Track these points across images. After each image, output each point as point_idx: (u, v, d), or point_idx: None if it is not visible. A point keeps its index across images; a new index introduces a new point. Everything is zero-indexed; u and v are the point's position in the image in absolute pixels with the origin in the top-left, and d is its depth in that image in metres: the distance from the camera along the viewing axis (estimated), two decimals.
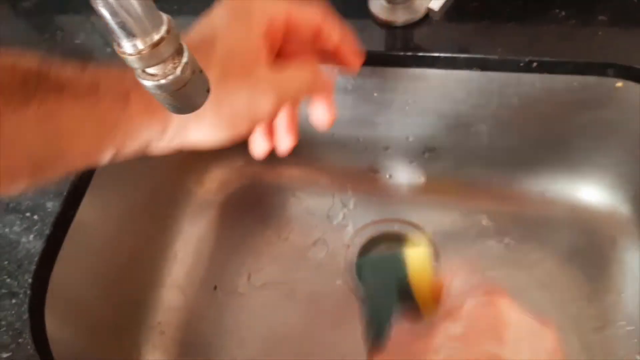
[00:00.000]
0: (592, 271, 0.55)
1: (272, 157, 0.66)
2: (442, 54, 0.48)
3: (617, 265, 0.55)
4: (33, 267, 0.44)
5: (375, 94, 0.55)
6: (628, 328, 0.52)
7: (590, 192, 0.58)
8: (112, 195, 0.53)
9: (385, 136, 0.60)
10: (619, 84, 0.47)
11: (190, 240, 0.63)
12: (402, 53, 0.49)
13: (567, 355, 0.51)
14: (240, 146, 0.65)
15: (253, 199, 0.66)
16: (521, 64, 0.47)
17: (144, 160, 0.57)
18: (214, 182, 0.67)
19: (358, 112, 0.58)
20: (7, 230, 0.47)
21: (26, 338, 0.42)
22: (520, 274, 0.56)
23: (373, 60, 0.50)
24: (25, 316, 0.42)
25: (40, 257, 0.45)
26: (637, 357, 0.50)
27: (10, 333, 0.42)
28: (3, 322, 0.42)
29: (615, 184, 0.56)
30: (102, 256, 0.53)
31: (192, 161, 0.65)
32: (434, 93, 0.53)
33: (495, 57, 0.47)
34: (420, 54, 0.48)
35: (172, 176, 0.63)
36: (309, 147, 0.64)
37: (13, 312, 0.43)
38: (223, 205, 0.66)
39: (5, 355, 0.41)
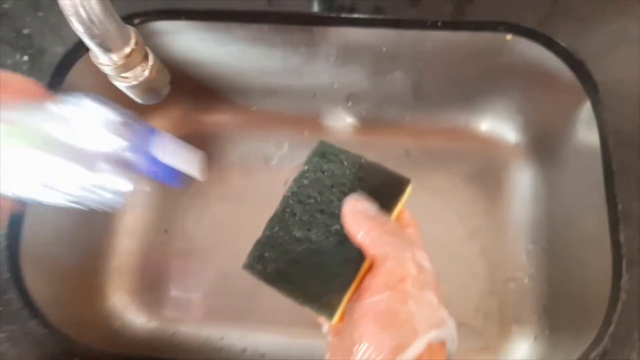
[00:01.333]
0: (489, 190, 0.67)
1: (208, 105, 0.71)
2: (361, 15, 0.54)
3: (508, 184, 0.67)
4: (3, 230, 0.48)
5: (302, 48, 0.60)
6: (517, 233, 0.64)
7: (487, 125, 0.68)
8: None
9: (312, 84, 0.66)
10: (509, 37, 0.56)
11: (136, 187, 0.68)
12: (327, 14, 0.55)
13: (471, 259, 0.64)
14: (177, 96, 0.70)
15: (193, 146, 0.71)
16: (428, 24, 0.54)
17: None
18: None
19: (287, 64, 0.63)
20: None
21: (12, 294, 0.46)
22: (431, 197, 0.66)
23: (302, 20, 0.56)
24: (7, 275, 0.47)
25: (9, 219, 0.48)
26: (529, 246, 0.63)
27: None
28: None
29: (506, 117, 0.67)
30: (62, 210, 0.57)
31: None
32: (356, 47, 0.59)
33: (407, 17, 0.54)
34: (343, 15, 0.54)
35: None
36: (242, 95, 0.70)
37: None
38: None
39: None
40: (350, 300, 0.33)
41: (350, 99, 0.67)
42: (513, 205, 0.66)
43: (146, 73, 0.33)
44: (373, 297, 0.30)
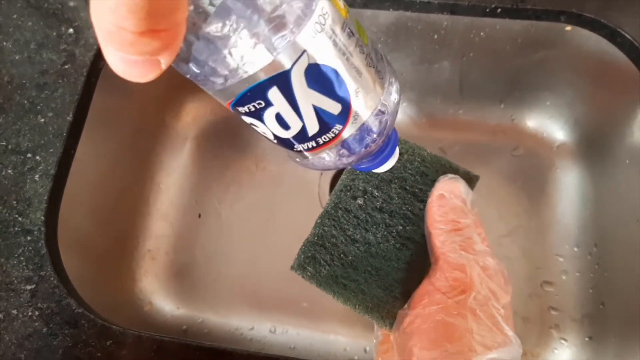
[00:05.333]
0: (533, 190, 0.64)
1: None
2: None
3: (553, 184, 0.64)
4: (44, 205, 0.47)
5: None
6: (560, 235, 0.62)
7: (535, 121, 0.66)
8: (104, 135, 0.55)
9: None
10: (568, 27, 0.53)
11: (172, 173, 0.67)
12: None
13: (511, 260, 0.61)
14: None
15: (229, 131, 0.69)
16: (487, 10, 0.52)
17: (128, 97, 0.59)
18: (189, 116, 0.70)
19: None
20: (9, 171, 0.48)
21: (48, 271, 0.45)
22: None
23: (352, 2, 0.54)
24: (44, 251, 0.46)
25: (49, 195, 0.47)
26: (575, 249, 0.60)
27: (31, 267, 0.45)
28: (22, 258, 0.46)
29: (555, 113, 0.64)
30: (98, 191, 0.56)
31: (168, 96, 0.67)
32: (405, 33, 0.57)
33: (465, 3, 0.52)
34: None
35: (151, 112, 0.65)
36: None
37: (30, 248, 0.46)
38: (200, 137, 0.69)
39: (29, 287, 0.45)
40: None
41: None
42: (557, 206, 0.63)
43: None
44: (431, 306, 0.27)
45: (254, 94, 0.21)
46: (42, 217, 0.47)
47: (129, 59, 0.17)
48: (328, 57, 0.21)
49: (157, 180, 0.66)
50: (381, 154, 0.28)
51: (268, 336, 0.60)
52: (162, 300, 0.61)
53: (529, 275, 0.60)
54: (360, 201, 0.32)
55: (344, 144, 0.24)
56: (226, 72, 0.21)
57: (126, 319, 0.57)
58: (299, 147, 0.24)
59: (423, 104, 0.66)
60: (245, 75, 0.21)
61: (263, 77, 0.20)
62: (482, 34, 0.55)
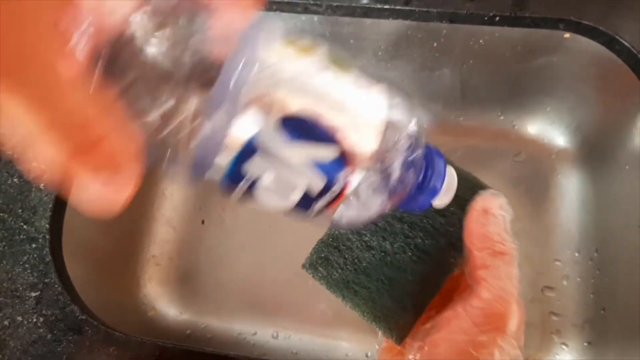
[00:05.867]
0: (534, 195, 0.64)
1: None
2: (417, 8, 0.52)
3: (555, 189, 0.64)
4: (48, 213, 0.48)
5: (351, 41, 0.59)
6: (562, 240, 0.62)
7: (536, 127, 0.66)
8: None
9: None
10: (567, 35, 0.54)
11: (175, 178, 0.67)
12: (380, 6, 0.53)
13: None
14: None
15: None
16: (486, 18, 0.52)
17: None
18: None
19: None
20: (15, 180, 0.49)
21: (52, 278, 0.46)
22: None
23: (352, 12, 0.54)
24: (48, 258, 0.46)
25: (54, 203, 0.48)
26: (576, 254, 0.60)
27: (36, 274, 0.46)
28: (27, 265, 0.46)
29: (556, 119, 0.64)
30: None
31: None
32: (406, 41, 0.58)
33: (464, 11, 0.52)
34: (398, 7, 0.53)
35: None
36: None
37: (35, 255, 0.47)
38: None
39: (34, 294, 0.46)
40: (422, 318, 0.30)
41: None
42: (559, 212, 0.63)
43: None
44: (460, 334, 0.26)
45: (237, 168, 0.20)
46: (47, 225, 0.47)
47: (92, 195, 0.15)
48: (296, 105, 0.20)
49: (162, 187, 0.67)
50: (422, 189, 0.26)
51: (270, 341, 0.61)
52: (165, 306, 0.62)
53: (530, 280, 0.61)
54: None
55: (361, 189, 0.22)
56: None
57: (130, 324, 0.58)
58: (315, 207, 0.22)
59: (425, 110, 0.67)
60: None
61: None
62: (481, 41, 0.56)
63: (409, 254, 0.31)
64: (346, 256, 0.31)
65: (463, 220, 0.30)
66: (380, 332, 0.31)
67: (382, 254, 0.31)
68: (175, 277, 0.64)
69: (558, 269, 0.60)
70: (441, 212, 0.31)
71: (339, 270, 0.31)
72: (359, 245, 0.31)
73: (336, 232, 0.32)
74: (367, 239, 0.31)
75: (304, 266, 0.32)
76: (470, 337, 0.25)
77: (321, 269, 0.32)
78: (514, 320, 0.26)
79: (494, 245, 0.27)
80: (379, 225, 0.31)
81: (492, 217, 0.28)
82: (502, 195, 0.29)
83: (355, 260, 0.31)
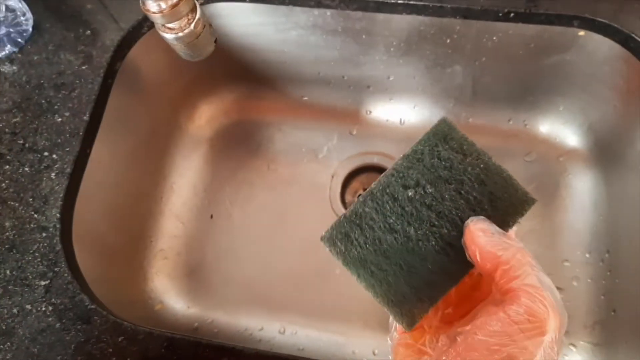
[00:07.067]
0: (545, 194, 0.64)
1: (258, 92, 0.70)
2: (431, 3, 0.52)
3: (566, 189, 0.64)
4: (60, 202, 0.48)
5: (363, 36, 0.59)
6: (572, 240, 0.61)
7: (547, 126, 0.66)
8: (119, 135, 0.56)
9: (368, 75, 0.65)
10: (581, 32, 0.53)
11: (185, 174, 0.67)
12: (392, 0, 0.53)
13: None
14: (230, 82, 0.69)
15: (242, 133, 0.70)
16: (500, 14, 0.52)
17: (144, 99, 0.60)
18: (203, 119, 0.70)
19: (345, 53, 0.62)
20: (26, 169, 0.49)
21: (62, 267, 0.46)
22: None
23: (365, 6, 0.54)
24: (59, 247, 0.46)
25: (65, 193, 0.48)
26: (587, 255, 0.60)
27: (46, 263, 0.46)
28: (37, 254, 0.46)
29: (569, 118, 0.64)
30: (112, 190, 0.56)
31: (183, 99, 0.67)
32: (418, 37, 0.57)
33: (478, 7, 0.52)
34: (412, 2, 0.53)
35: (166, 114, 0.66)
36: (295, 84, 0.68)
37: (45, 244, 0.47)
38: (213, 139, 0.70)
39: (44, 282, 0.45)
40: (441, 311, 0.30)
41: (405, 92, 0.66)
42: (570, 212, 0.63)
43: (192, 26, 0.33)
44: (502, 338, 0.25)
45: None
46: (58, 215, 0.47)
47: None
48: None
49: (171, 181, 0.66)
50: None
51: (277, 337, 0.60)
52: (173, 300, 0.62)
53: None
54: (410, 192, 0.31)
55: None
56: None
57: (137, 317, 0.57)
58: None
59: (435, 107, 0.66)
60: None
61: None
62: (494, 38, 0.56)
63: (433, 243, 0.30)
64: (367, 235, 0.31)
65: (492, 218, 0.29)
66: (392, 319, 0.31)
67: (405, 238, 0.30)
68: (183, 271, 0.64)
69: (568, 269, 0.60)
70: (472, 206, 0.30)
71: (358, 249, 0.31)
72: (382, 227, 0.31)
73: (360, 210, 0.31)
74: (391, 221, 0.31)
75: (322, 239, 0.32)
76: (515, 342, 0.25)
77: (340, 244, 0.31)
78: (556, 325, 0.26)
79: (509, 249, 0.28)
80: (406, 210, 0.31)
81: (489, 231, 0.28)
82: (486, 219, 0.29)
83: (377, 240, 0.31)
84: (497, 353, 0.25)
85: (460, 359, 0.26)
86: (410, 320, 0.29)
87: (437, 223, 0.30)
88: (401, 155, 0.32)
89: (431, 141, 0.31)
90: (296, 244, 0.64)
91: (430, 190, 0.31)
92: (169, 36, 0.34)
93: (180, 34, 0.33)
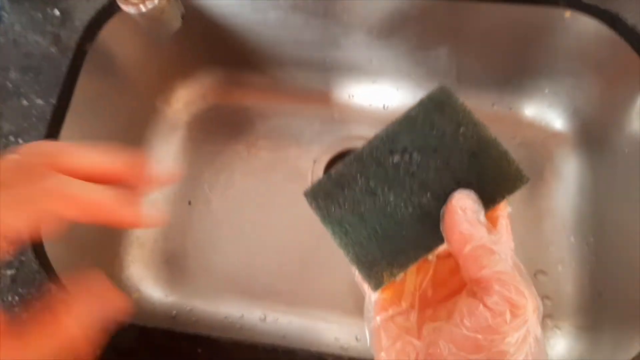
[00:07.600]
0: (531, 177, 0.63)
1: (237, 75, 0.68)
2: None
3: (551, 173, 0.63)
4: None
5: (344, 18, 0.57)
6: (557, 224, 0.60)
7: (532, 110, 0.64)
8: (90, 119, 0.55)
9: (350, 58, 0.63)
10: (567, 13, 0.52)
11: (161, 159, 0.66)
12: None
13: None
14: (209, 65, 0.67)
15: (221, 117, 0.68)
16: None
17: (117, 82, 0.58)
18: (180, 102, 0.68)
19: (327, 35, 0.60)
20: None
21: (29, 256, 0.44)
22: None
23: None
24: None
25: None
26: (572, 238, 0.59)
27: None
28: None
29: (554, 102, 0.63)
30: None
31: (159, 82, 0.66)
32: (401, 19, 0.56)
33: None
34: None
35: (141, 97, 0.64)
36: (275, 67, 0.67)
37: None
38: (192, 124, 0.68)
39: (10, 272, 0.44)
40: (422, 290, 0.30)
41: (388, 76, 0.64)
42: (555, 195, 0.62)
43: (156, 0, 0.32)
44: (470, 331, 0.25)
45: None
46: None
47: None
48: None
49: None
50: None
51: (258, 324, 0.59)
52: (150, 288, 0.61)
53: (524, 264, 0.59)
54: (396, 158, 0.30)
55: None
56: None
57: None
58: None
59: (419, 90, 0.65)
60: None
61: None
62: (479, 20, 0.54)
63: (411, 210, 0.30)
64: (347, 196, 0.30)
65: (478, 191, 0.29)
66: (359, 276, 0.31)
67: (383, 203, 0.30)
68: (160, 259, 0.62)
69: (552, 253, 0.59)
70: (457, 179, 0.30)
71: (337, 208, 0.30)
72: (363, 188, 0.30)
73: (345, 170, 0.31)
74: (372, 184, 0.30)
75: (305, 194, 0.31)
76: (501, 335, 0.25)
77: (320, 201, 0.31)
78: (534, 306, 0.26)
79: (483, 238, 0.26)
80: (389, 174, 0.30)
81: (466, 215, 0.27)
82: (473, 194, 0.28)
83: (356, 202, 0.30)
84: (473, 343, 0.25)
85: (429, 344, 0.26)
86: (377, 282, 0.29)
87: (417, 191, 0.30)
88: (396, 119, 0.31)
89: (426, 107, 0.31)
90: (277, 229, 0.63)
91: (416, 158, 0.30)
92: (132, 10, 0.32)
93: (144, 10, 0.32)
